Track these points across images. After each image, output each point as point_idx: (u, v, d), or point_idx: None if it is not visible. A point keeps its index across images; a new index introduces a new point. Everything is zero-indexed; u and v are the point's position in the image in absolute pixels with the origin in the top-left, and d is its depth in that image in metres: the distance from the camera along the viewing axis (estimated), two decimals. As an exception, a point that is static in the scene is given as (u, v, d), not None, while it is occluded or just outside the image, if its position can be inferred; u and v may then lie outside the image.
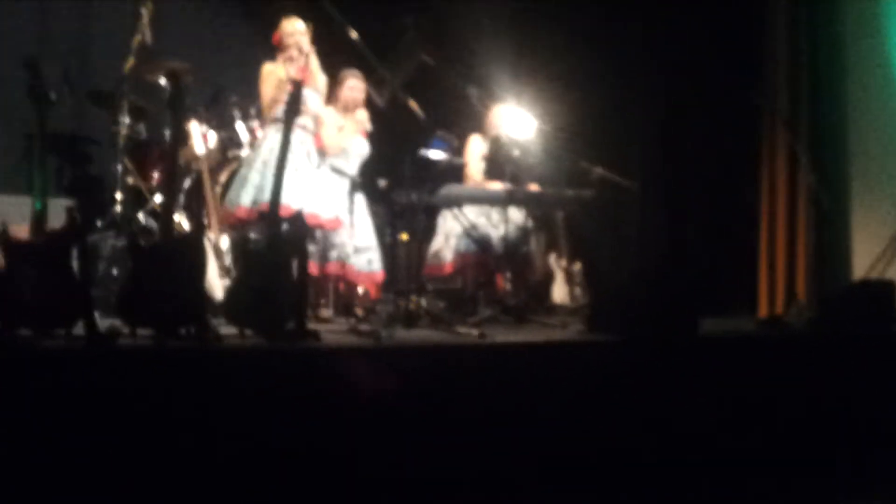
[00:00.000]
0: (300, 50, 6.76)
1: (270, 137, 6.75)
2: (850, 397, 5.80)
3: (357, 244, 7.16)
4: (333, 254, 7.08)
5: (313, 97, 6.78)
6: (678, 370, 5.42)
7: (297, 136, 6.58)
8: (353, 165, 7.30)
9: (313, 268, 6.94)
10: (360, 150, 7.35)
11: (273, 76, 6.77)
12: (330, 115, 7.22)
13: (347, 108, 7.29)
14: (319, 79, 6.88)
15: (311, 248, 6.97)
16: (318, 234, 6.99)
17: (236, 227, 6.79)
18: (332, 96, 7.30)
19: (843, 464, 5.53)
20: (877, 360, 6.03)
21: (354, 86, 7.28)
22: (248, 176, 6.70)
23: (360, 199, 7.29)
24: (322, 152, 7.02)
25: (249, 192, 6.60)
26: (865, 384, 5.87)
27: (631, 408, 5.16)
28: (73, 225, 4.76)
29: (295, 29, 6.81)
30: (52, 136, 7.54)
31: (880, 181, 8.48)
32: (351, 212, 7.16)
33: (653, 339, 5.59)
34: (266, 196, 6.41)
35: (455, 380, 4.84)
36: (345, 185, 7.16)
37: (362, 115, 7.31)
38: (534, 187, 7.61)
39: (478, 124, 8.04)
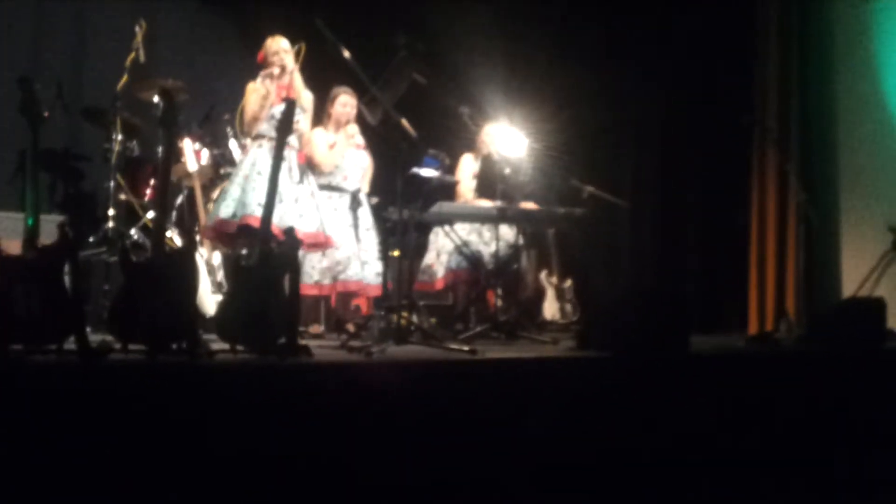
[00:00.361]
0: (283, 68, 6.76)
1: (252, 153, 6.77)
2: (839, 414, 5.81)
3: (364, 258, 7.19)
4: (312, 269, 7.11)
5: (299, 116, 6.78)
6: (668, 387, 5.43)
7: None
8: (352, 180, 7.33)
9: (305, 286, 6.99)
10: (359, 163, 7.38)
11: (255, 94, 6.79)
12: (320, 133, 7.25)
13: (339, 125, 7.33)
14: (304, 96, 6.87)
15: (310, 266, 7.03)
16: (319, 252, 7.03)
17: (216, 239, 6.82)
18: (322, 114, 7.32)
19: (835, 478, 5.56)
20: (866, 377, 6.04)
21: (346, 102, 7.32)
22: (228, 190, 6.71)
23: (366, 213, 7.33)
24: (305, 169, 7.02)
25: (230, 206, 6.59)
26: (855, 402, 5.88)
27: (621, 424, 5.16)
28: (65, 240, 4.74)
29: (280, 47, 6.81)
30: (45, 153, 7.60)
31: (869, 200, 8.54)
32: (355, 226, 7.19)
33: (643, 356, 5.60)
34: (246, 209, 6.48)
35: (445, 395, 4.83)
36: (337, 202, 7.18)
37: (353, 129, 7.35)
38: (526, 205, 7.63)
39: (469, 143, 8.08)
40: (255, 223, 6.14)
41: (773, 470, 5.43)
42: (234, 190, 6.65)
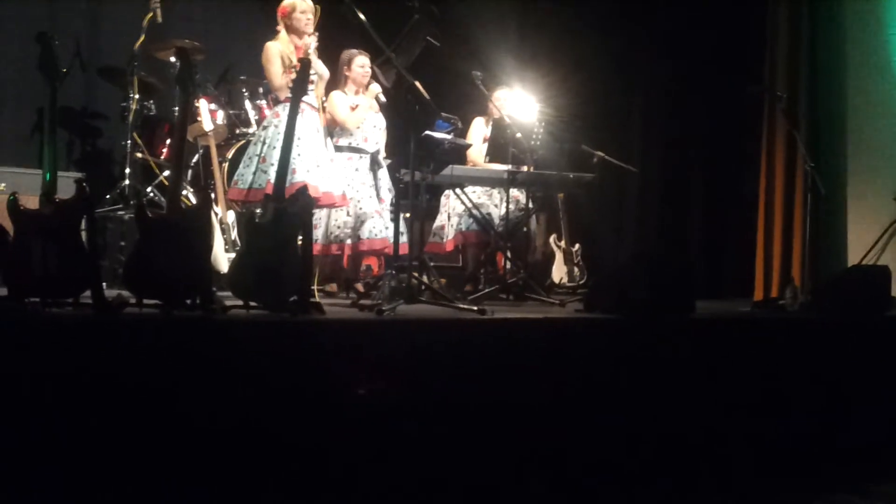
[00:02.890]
0: (307, 29, 6.77)
1: (283, 116, 6.58)
2: (843, 381, 5.87)
3: (386, 217, 7.23)
4: (338, 230, 7.16)
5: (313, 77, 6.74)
6: (674, 350, 5.48)
7: (306, 114, 6.61)
8: (372, 142, 7.36)
9: (333, 247, 7.10)
10: (378, 125, 7.40)
11: (279, 55, 6.72)
12: (340, 95, 7.28)
13: (358, 86, 7.36)
14: (319, 63, 6.85)
15: (334, 225, 7.09)
16: (325, 211, 7.06)
17: (245, 204, 6.78)
18: (338, 76, 7.34)
19: (836, 446, 5.62)
20: (870, 344, 6.10)
21: (364, 63, 7.31)
22: (269, 155, 6.55)
23: (386, 174, 7.39)
24: (327, 131, 7.06)
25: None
26: (859, 368, 5.94)
27: (626, 386, 5.23)
28: (82, 196, 4.78)
29: (308, 7, 6.80)
30: (63, 111, 7.68)
31: (876, 169, 8.56)
32: (376, 187, 7.25)
33: (649, 319, 5.66)
34: (296, 176, 6.43)
35: (454, 353, 4.89)
36: (358, 163, 7.24)
37: (376, 88, 7.34)
38: (534, 169, 7.67)
39: (481, 107, 8.10)
40: (306, 187, 6.20)
41: (777, 434, 5.49)
42: (275, 155, 6.44)
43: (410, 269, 6.05)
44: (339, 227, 7.13)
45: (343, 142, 7.25)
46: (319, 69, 6.81)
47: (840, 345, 6.02)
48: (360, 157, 7.25)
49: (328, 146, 6.97)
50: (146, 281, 4.84)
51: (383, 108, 7.45)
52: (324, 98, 7.10)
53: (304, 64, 5.88)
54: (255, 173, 6.61)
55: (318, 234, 7.01)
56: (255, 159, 6.65)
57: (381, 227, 7.17)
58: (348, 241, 7.16)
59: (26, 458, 3.89)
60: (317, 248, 6.88)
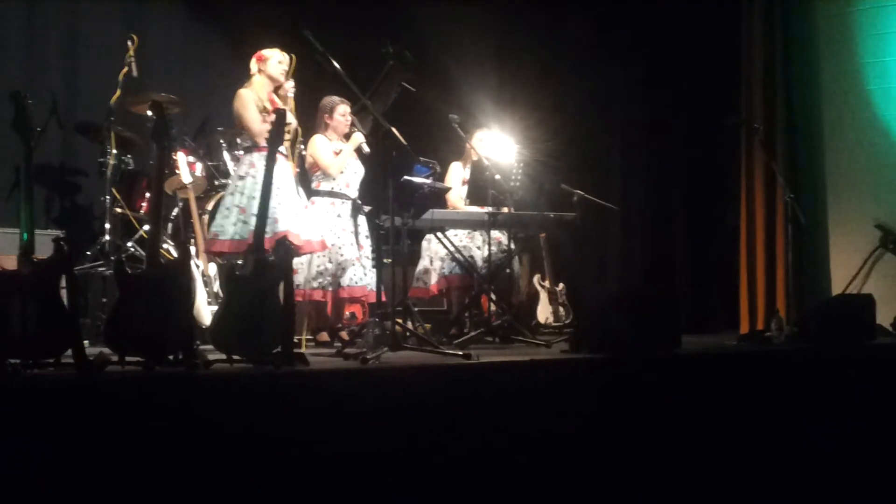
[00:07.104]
0: (281, 78, 6.80)
1: (259, 166, 6.62)
2: (830, 410, 5.85)
3: (365, 263, 7.27)
4: (320, 276, 7.14)
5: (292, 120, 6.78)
6: (661, 387, 5.46)
7: (280, 163, 6.60)
8: (353, 188, 7.40)
9: (317, 293, 7.10)
10: (358, 171, 7.43)
11: (253, 102, 6.73)
12: (323, 139, 7.29)
13: (339, 134, 7.37)
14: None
15: (315, 271, 7.08)
16: (306, 256, 7.05)
17: (227, 256, 6.75)
18: (318, 122, 7.36)
19: (824, 476, 5.60)
20: (856, 373, 6.09)
21: (345, 112, 7.36)
22: (246, 206, 6.59)
23: (365, 220, 7.42)
24: (304, 176, 7.06)
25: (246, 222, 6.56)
26: (845, 397, 5.93)
27: (614, 425, 5.20)
28: (60, 255, 4.75)
29: (284, 58, 6.84)
30: (41, 168, 7.64)
31: (856, 197, 8.61)
32: (356, 233, 7.25)
33: (636, 357, 5.64)
34: (277, 226, 6.44)
35: (441, 400, 4.86)
36: (340, 208, 7.24)
37: (359, 138, 7.35)
38: (515, 210, 7.67)
39: (458, 150, 8.11)
40: (289, 237, 6.18)
41: (765, 465, 5.47)
42: (254, 206, 6.44)
43: (394, 316, 6.02)
44: (321, 274, 7.11)
45: (325, 186, 7.26)
46: (289, 118, 6.83)
47: (827, 375, 6.01)
48: (343, 202, 7.26)
49: (300, 194, 6.95)
50: (128, 338, 4.79)
51: (361, 154, 7.44)
52: (302, 146, 7.11)
53: (280, 114, 5.88)
54: (235, 224, 6.60)
55: (299, 279, 6.98)
56: (233, 210, 6.64)
57: (360, 274, 7.18)
58: (329, 289, 7.15)
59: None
60: (299, 294, 6.86)
